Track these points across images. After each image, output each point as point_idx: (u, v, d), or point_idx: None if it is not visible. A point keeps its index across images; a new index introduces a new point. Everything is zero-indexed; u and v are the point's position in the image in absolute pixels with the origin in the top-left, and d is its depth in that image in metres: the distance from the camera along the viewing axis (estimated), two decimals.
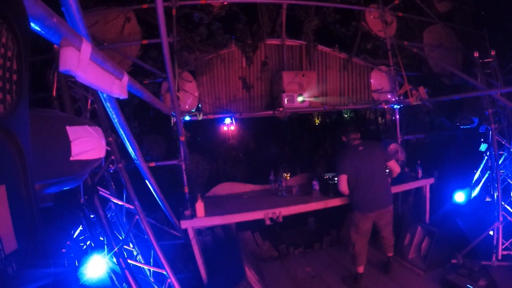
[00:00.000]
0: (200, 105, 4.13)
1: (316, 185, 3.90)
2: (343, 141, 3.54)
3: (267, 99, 4.42)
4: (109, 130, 2.76)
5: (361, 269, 3.48)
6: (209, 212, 3.46)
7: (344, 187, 3.36)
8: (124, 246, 2.93)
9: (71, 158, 1.05)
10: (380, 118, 5.29)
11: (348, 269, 3.87)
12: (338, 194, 3.86)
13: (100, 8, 3.78)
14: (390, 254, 3.68)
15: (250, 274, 3.04)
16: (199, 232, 4.05)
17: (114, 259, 2.49)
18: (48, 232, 2.45)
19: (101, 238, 2.57)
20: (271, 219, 3.46)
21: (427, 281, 3.46)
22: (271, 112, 4.16)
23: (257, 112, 4.31)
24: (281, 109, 4.00)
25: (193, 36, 4.04)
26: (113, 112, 1.79)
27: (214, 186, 4.42)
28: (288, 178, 4.07)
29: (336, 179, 3.57)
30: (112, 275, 2.44)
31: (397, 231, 3.80)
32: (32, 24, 0.68)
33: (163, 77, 3.90)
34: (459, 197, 4.31)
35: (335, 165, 3.48)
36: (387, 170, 3.54)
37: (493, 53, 3.78)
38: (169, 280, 2.95)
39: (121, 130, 1.99)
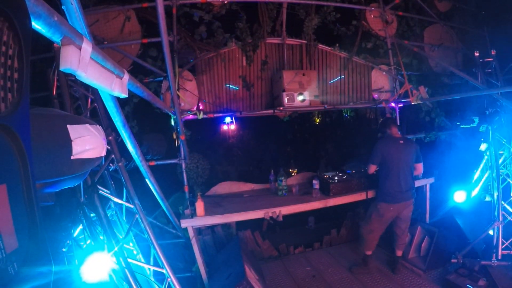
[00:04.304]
0: (200, 104, 4.12)
1: (316, 184, 3.91)
2: (386, 132, 3.68)
3: (267, 98, 4.42)
4: (109, 129, 2.76)
5: (370, 252, 3.71)
6: (209, 211, 3.46)
7: (371, 172, 3.69)
8: (124, 245, 2.93)
9: (72, 157, 1.04)
10: (380, 117, 5.29)
11: (348, 266, 3.91)
12: (338, 193, 3.88)
13: (100, 7, 3.77)
14: (400, 254, 3.74)
15: (250, 274, 3.04)
16: (199, 231, 4.05)
17: (114, 258, 2.49)
18: (48, 231, 2.45)
19: (101, 237, 2.57)
20: (271, 218, 3.47)
21: (427, 281, 3.47)
22: (271, 111, 4.15)
23: (257, 111, 4.31)
24: (281, 108, 3.99)
25: (193, 35, 4.04)
26: (113, 111, 1.79)
27: (214, 185, 4.41)
28: (295, 173, 4.07)
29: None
30: (112, 274, 2.44)
31: None
32: (33, 23, 0.67)
33: (163, 76, 3.89)
34: (459, 197, 4.31)
35: (370, 151, 3.66)
36: None
37: (493, 52, 3.77)
38: (169, 279, 2.95)
39: (121, 128, 1.99)
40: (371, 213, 3.67)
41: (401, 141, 3.54)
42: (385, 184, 3.52)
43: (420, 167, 3.68)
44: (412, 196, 3.57)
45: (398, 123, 4.56)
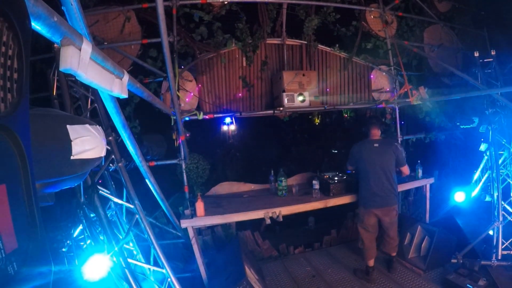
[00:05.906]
0: (200, 105, 4.13)
1: (316, 184, 3.90)
2: (366, 133, 3.62)
3: (267, 98, 4.42)
4: (109, 129, 2.76)
5: (371, 263, 3.58)
6: (209, 212, 3.46)
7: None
8: (124, 245, 2.93)
9: (72, 157, 1.05)
10: (380, 118, 5.30)
11: (350, 267, 3.91)
12: (338, 193, 3.88)
13: (100, 8, 3.77)
14: (394, 254, 3.71)
15: (250, 274, 3.04)
16: (199, 231, 4.05)
17: (114, 258, 2.49)
18: (48, 231, 2.45)
19: (101, 238, 2.57)
20: (271, 218, 3.47)
21: (427, 280, 3.47)
22: (271, 111, 4.15)
23: (257, 111, 4.31)
24: (281, 108, 4.00)
25: (193, 36, 4.04)
26: (113, 111, 1.79)
27: (214, 186, 4.41)
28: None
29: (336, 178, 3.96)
30: (112, 274, 2.44)
31: (398, 231, 3.80)
32: (32, 23, 0.68)
33: (163, 76, 3.90)
34: (459, 197, 4.31)
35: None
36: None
37: (493, 53, 3.77)
38: (169, 279, 2.95)
39: (121, 129, 1.99)
40: (357, 222, 3.70)
41: (376, 144, 3.43)
42: (360, 188, 3.52)
43: (404, 170, 3.57)
44: (393, 202, 3.43)
45: (398, 125, 4.57)
